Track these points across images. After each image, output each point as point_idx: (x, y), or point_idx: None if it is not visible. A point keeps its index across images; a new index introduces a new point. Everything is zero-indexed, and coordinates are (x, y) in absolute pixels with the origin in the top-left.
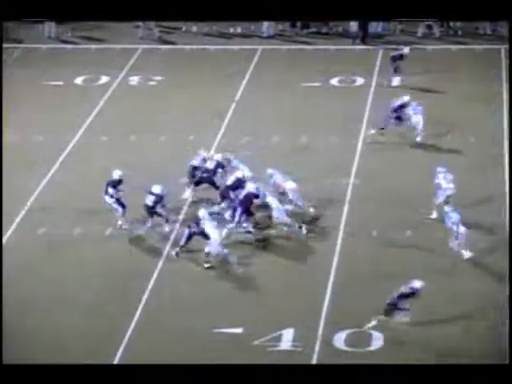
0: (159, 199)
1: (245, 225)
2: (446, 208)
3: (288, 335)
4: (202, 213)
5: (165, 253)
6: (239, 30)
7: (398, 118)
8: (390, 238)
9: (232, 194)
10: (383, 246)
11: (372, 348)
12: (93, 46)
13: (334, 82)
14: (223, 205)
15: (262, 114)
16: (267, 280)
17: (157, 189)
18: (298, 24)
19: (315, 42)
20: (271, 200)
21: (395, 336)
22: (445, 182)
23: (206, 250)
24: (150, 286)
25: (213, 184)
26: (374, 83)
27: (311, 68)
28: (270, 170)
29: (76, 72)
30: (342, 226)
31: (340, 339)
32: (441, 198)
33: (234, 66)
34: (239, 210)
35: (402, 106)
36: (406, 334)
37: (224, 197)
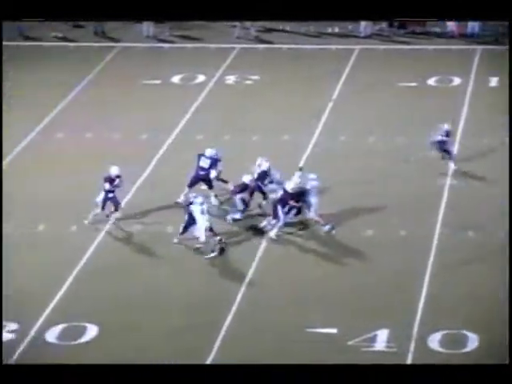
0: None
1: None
2: None
3: (382, 336)
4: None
5: (260, 248)
6: (337, 29)
7: None
8: (487, 237)
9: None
10: (480, 246)
11: (468, 349)
12: (190, 45)
13: (431, 81)
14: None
15: (358, 114)
16: (361, 279)
17: (246, 178)
18: (395, 24)
19: (412, 41)
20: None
21: (491, 337)
22: None
23: (196, 234)
24: (243, 286)
25: (208, 182)
26: (471, 83)
27: (408, 68)
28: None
29: (173, 71)
30: (438, 226)
31: (435, 340)
32: None
33: (330, 66)
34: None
35: None
36: (501, 335)
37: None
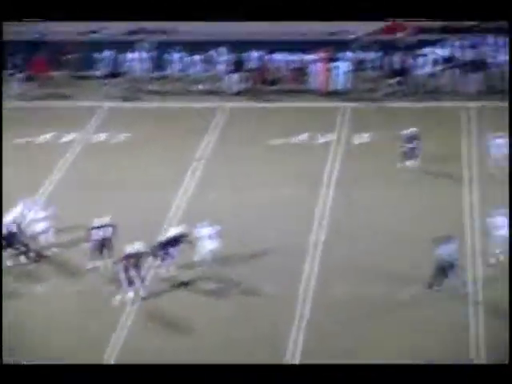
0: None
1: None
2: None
3: None
4: None
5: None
6: (201, 87)
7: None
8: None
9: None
10: (355, 299)
11: None
12: (58, 104)
13: (297, 140)
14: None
15: (226, 171)
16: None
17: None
18: (265, 80)
19: (280, 99)
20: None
21: None
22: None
23: None
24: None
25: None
26: (336, 141)
27: (276, 125)
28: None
29: (41, 130)
30: (303, 278)
31: None
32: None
33: (197, 124)
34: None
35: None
36: None
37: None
